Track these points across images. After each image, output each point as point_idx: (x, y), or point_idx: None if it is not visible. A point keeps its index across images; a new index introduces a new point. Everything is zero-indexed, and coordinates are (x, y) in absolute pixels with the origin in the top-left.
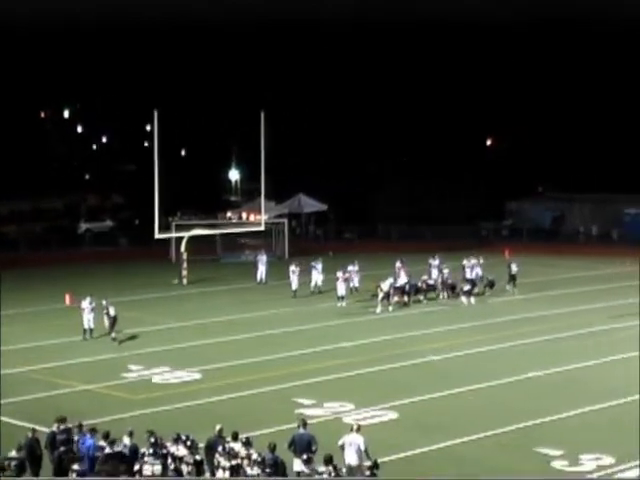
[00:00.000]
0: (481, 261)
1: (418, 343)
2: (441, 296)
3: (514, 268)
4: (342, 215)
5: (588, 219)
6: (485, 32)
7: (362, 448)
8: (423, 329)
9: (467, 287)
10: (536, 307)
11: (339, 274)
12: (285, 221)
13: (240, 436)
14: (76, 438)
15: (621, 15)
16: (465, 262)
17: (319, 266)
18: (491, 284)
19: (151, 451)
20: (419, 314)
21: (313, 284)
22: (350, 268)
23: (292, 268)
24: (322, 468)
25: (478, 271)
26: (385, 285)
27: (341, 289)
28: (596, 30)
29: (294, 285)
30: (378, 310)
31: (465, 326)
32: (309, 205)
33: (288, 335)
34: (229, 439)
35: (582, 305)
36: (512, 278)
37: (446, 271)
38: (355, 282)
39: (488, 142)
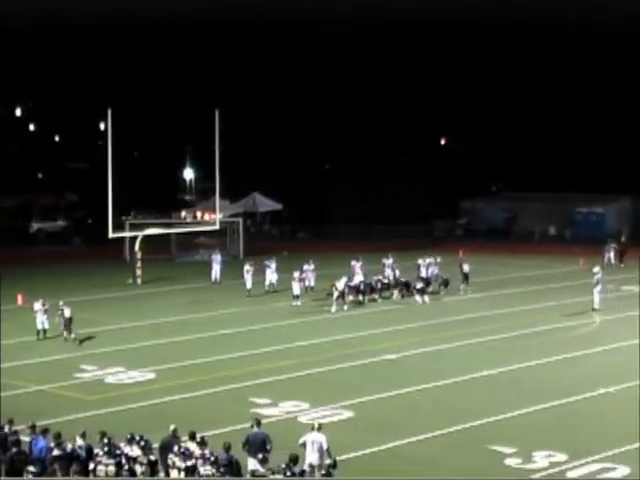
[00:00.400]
0: (438, 260)
1: (373, 342)
2: (395, 295)
3: (466, 268)
4: (297, 214)
5: (541, 218)
6: (439, 32)
7: (324, 447)
8: (378, 328)
9: (420, 285)
10: (490, 306)
11: (295, 274)
12: (240, 220)
13: (195, 436)
14: (28, 439)
15: (576, 17)
16: (420, 261)
17: (273, 265)
18: (445, 283)
19: (104, 451)
20: (374, 313)
21: (267, 283)
22: (305, 267)
23: (246, 267)
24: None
25: (433, 270)
26: (340, 284)
27: (296, 288)
28: (545, 31)
29: (248, 284)
30: (333, 309)
31: (419, 325)
32: (264, 204)
33: (242, 335)
34: (184, 439)
35: (535, 304)
36: (465, 277)
37: (397, 272)
38: (311, 281)
39: (442, 141)
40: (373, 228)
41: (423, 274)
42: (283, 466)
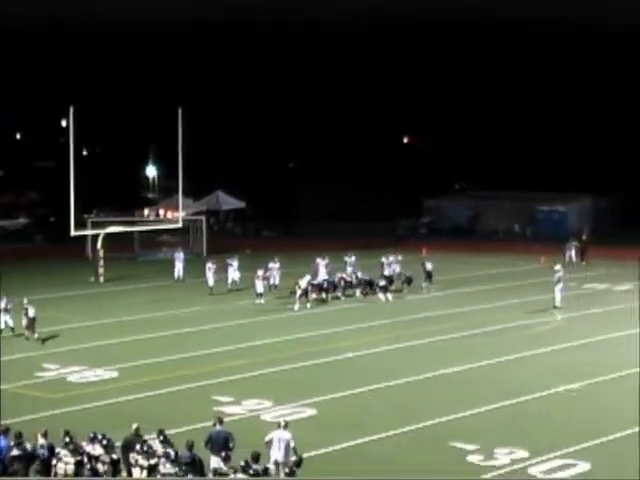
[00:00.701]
0: (399, 258)
1: (335, 340)
2: (357, 293)
3: (429, 266)
4: (261, 213)
5: (504, 217)
6: (402, 31)
7: (291, 445)
8: (341, 326)
9: (383, 283)
10: (453, 304)
11: (259, 272)
12: (203, 218)
13: (164, 433)
14: None
15: (537, 13)
16: (383, 259)
17: (235, 263)
18: (409, 281)
19: (66, 451)
20: (337, 311)
21: (230, 281)
22: (271, 265)
23: (208, 265)
24: (254, 466)
25: (396, 268)
26: (303, 282)
27: (259, 286)
28: (514, 31)
29: (210, 282)
30: (296, 307)
31: (382, 323)
32: (227, 202)
33: (205, 333)
34: (146, 437)
35: (498, 301)
36: (428, 276)
37: (358, 271)
38: (276, 279)
39: (405, 139)
40: (338, 226)
41: (386, 272)
42: (242, 464)
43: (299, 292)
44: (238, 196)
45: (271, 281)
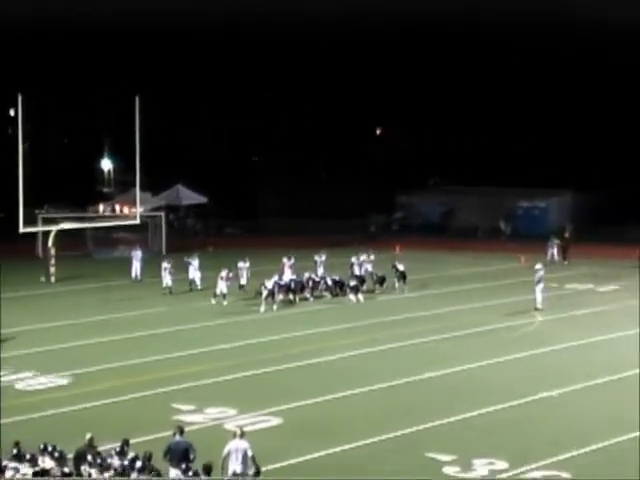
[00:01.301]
0: (371, 257)
1: (304, 343)
2: (327, 294)
3: (400, 266)
4: (224, 208)
5: (480, 213)
6: (371, 23)
7: (249, 454)
8: (309, 329)
9: (354, 283)
10: (428, 305)
11: (222, 272)
12: (162, 214)
13: (114, 445)
14: None
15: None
16: (354, 259)
17: (196, 262)
18: (381, 281)
19: (15, 463)
20: (305, 313)
21: (190, 281)
22: (240, 265)
23: (164, 265)
24: (203, 477)
25: (368, 267)
26: (269, 283)
27: (222, 287)
28: (480, 24)
29: (167, 282)
30: (262, 309)
31: (353, 325)
32: (188, 197)
33: (165, 336)
34: (101, 448)
35: (475, 303)
36: (402, 275)
37: (323, 271)
38: (244, 279)
39: (378, 131)
40: (306, 223)
41: (357, 272)
42: (190, 474)
43: (265, 293)
44: (199, 191)
45: (241, 281)
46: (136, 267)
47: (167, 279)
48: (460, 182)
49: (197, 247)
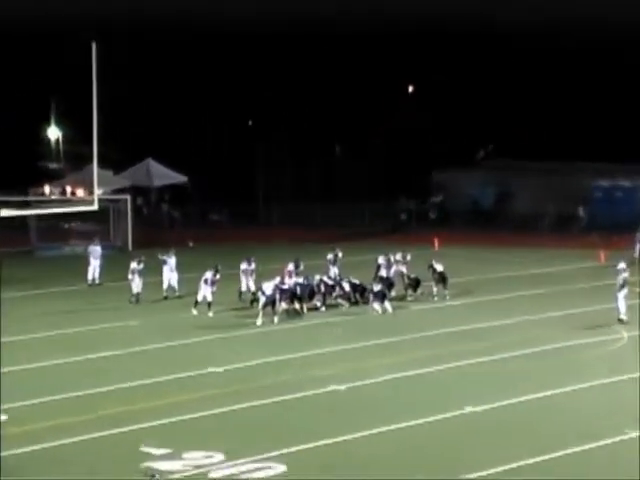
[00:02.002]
0: (407, 257)
1: (314, 367)
2: (344, 302)
3: (439, 267)
4: (209, 190)
5: (545, 196)
6: None
7: None
8: (320, 347)
9: (379, 288)
10: (476, 317)
11: (207, 274)
12: (128, 198)
13: None
14: None
15: None
16: (381, 259)
17: (172, 261)
18: (415, 285)
19: None
20: (315, 327)
21: (166, 286)
22: (244, 267)
23: (133, 265)
24: None
25: (398, 268)
26: (268, 287)
27: (207, 293)
28: None
29: (136, 288)
30: (259, 322)
31: (378, 343)
32: (161, 176)
33: (131, 358)
34: None
35: (537, 313)
36: (441, 278)
37: (336, 271)
38: (249, 284)
39: (410, 89)
40: (314, 210)
41: (384, 273)
42: None
43: (263, 300)
44: (176, 167)
45: (242, 287)
46: (94, 267)
47: (136, 283)
48: (519, 155)
49: (174, 241)
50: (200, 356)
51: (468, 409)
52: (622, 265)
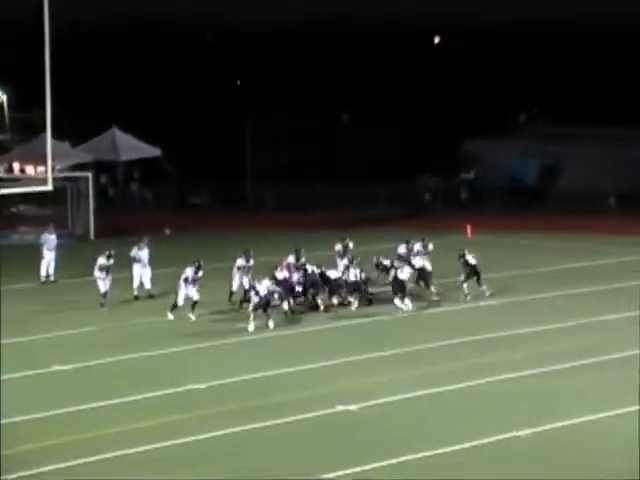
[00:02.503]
0: (429, 247)
1: (316, 382)
2: (353, 302)
3: (471, 259)
4: (187, 167)
5: (603, 171)
6: None
7: None
8: (328, 358)
9: (405, 275)
10: (513, 320)
11: (188, 271)
12: (89, 175)
13: None
14: None
15: None
16: (402, 248)
17: (144, 253)
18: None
19: None
20: (317, 333)
21: (137, 284)
22: (240, 263)
23: (101, 261)
24: None
25: (425, 265)
26: (261, 286)
27: (192, 293)
28: None
29: (102, 287)
30: (251, 327)
31: (394, 353)
32: (130, 148)
33: (93, 373)
34: None
35: (590, 316)
36: (473, 272)
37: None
38: (245, 283)
39: (436, 39)
40: (319, 191)
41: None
42: None
43: (255, 302)
44: (148, 138)
45: (233, 286)
46: (48, 261)
47: (104, 282)
48: (571, 119)
49: (146, 229)
50: (178, 370)
51: (504, 435)
52: None
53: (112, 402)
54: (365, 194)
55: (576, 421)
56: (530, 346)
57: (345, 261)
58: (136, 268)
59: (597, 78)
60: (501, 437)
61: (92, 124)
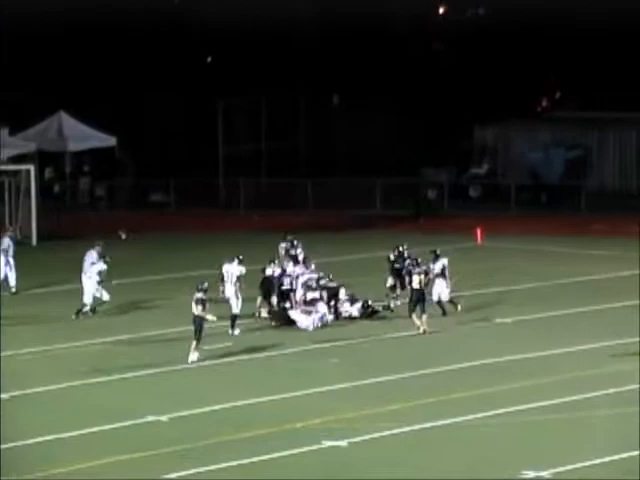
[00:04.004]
0: (441, 257)
1: (299, 414)
2: (325, 310)
3: (438, 265)
4: (148, 158)
5: (638, 161)
6: None
7: None
8: (307, 386)
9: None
10: (529, 341)
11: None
12: (31, 168)
13: None
14: None
15: None
16: (394, 254)
17: (93, 262)
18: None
19: None
20: (296, 355)
21: (88, 299)
22: (227, 268)
23: (101, 267)
24: None
25: (415, 267)
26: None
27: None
28: None
29: (105, 295)
30: (193, 358)
31: (389, 380)
32: (80, 137)
33: (36, 400)
34: None
35: (621, 337)
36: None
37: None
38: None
39: (440, 10)
40: (302, 187)
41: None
42: None
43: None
44: (101, 125)
45: (225, 294)
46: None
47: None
48: (600, 105)
49: (98, 232)
50: (137, 399)
51: (522, 474)
52: None
53: (62, 436)
54: (359, 191)
55: (597, 462)
56: (547, 372)
57: (291, 264)
58: (87, 281)
59: (630, 55)
60: (521, 477)
61: (35, 107)
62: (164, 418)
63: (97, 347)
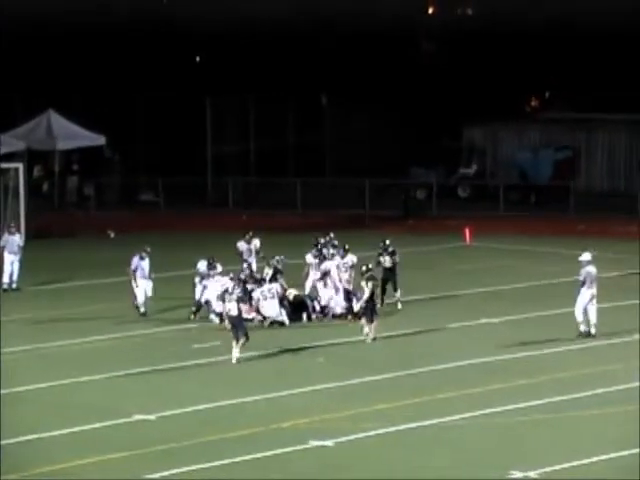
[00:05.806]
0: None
1: (285, 414)
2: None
3: (387, 261)
4: (137, 157)
5: (630, 166)
6: None
7: None
8: (294, 386)
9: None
10: (512, 342)
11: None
12: (20, 167)
13: None
14: None
15: None
16: (382, 258)
17: (145, 264)
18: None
19: None
20: (281, 354)
21: (142, 298)
22: (205, 273)
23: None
24: None
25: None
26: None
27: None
28: None
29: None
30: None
31: (375, 380)
32: (69, 135)
33: (22, 399)
34: None
35: (603, 337)
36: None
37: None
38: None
39: (430, 10)
40: (291, 187)
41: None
42: None
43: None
44: (90, 123)
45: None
46: (10, 265)
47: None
48: (590, 106)
49: (87, 229)
50: (125, 397)
51: (515, 474)
52: None
53: (45, 435)
54: (347, 191)
55: (593, 459)
56: (541, 371)
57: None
58: (140, 281)
59: (621, 54)
60: (514, 476)
61: (24, 106)
62: (151, 417)
63: (84, 346)
